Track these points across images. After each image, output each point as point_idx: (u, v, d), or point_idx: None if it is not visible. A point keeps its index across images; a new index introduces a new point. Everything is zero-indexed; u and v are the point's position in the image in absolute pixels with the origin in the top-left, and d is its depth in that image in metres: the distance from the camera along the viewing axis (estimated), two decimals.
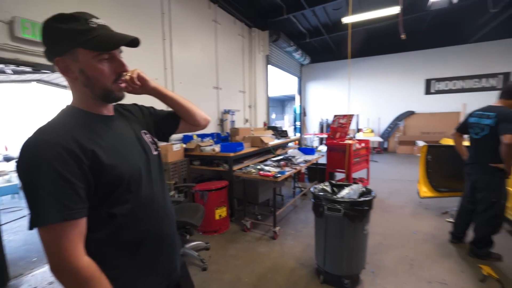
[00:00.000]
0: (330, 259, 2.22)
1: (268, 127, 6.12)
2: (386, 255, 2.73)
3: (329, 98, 10.84)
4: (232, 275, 2.47)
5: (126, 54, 0.88)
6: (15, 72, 5.62)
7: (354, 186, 2.30)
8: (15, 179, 6.03)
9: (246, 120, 6.57)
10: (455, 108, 8.81)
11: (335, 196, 2.19)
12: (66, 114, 0.79)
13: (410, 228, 3.31)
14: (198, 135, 4.31)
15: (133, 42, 0.81)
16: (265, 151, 4.45)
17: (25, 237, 3.59)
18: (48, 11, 2.67)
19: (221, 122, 5.48)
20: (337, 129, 4.72)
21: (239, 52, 6.34)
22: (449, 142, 4.83)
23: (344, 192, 2.25)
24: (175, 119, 1.12)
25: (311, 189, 2.36)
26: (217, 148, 3.66)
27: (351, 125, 5.10)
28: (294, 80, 11.13)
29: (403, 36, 5.27)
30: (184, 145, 3.91)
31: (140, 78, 0.93)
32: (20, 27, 2.44)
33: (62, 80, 7.48)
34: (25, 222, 4.29)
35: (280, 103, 18.00)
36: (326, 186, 2.48)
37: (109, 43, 0.75)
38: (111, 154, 0.77)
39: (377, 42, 9.13)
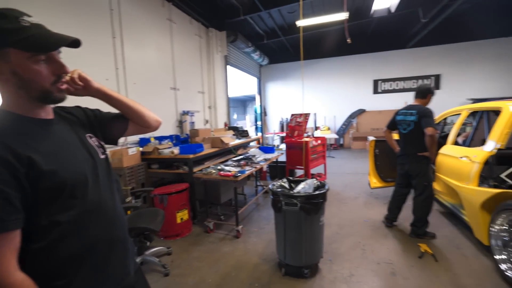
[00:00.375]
0: (290, 252, 2.33)
1: (229, 127, 6.14)
2: (342, 243, 2.94)
3: (288, 98, 11.23)
4: (196, 277, 2.45)
5: (72, 53, 0.84)
6: None
7: (309, 181, 2.45)
8: None
9: (207, 121, 6.50)
10: (399, 106, 9.61)
11: (291, 192, 2.30)
12: None
13: (363, 217, 3.61)
14: (156, 138, 4.16)
15: (74, 43, 0.77)
16: (226, 152, 4.46)
17: None
18: None
19: (180, 123, 5.35)
20: (294, 127, 4.93)
21: (196, 52, 6.24)
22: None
23: (300, 187, 2.38)
24: (123, 121, 1.08)
25: (270, 186, 2.45)
26: (176, 150, 3.57)
27: (309, 123, 5.39)
28: (254, 80, 11.30)
29: (349, 40, 5.72)
30: (140, 149, 3.74)
31: (81, 78, 0.88)
32: None
33: None
34: None
35: (242, 103, 18.11)
36: (284, 182, 2.60)
37: (46, 44, 0.71)
38: (51, 159, 0.73)
39: (330, 45, 9.71)
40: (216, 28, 6.72)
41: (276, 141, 11.07)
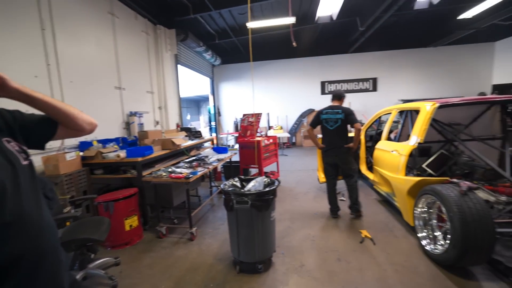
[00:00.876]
0: (243, 249, 2.39)
1: (181, 128, 5.96)
2: (294, 236, 3.10)
3: (241, 98, 11.34)
4: (148, 285, 2.35)
5: None
6: None
7: (259, 179, 2.53)
8: None
9: (157, 122, 6.21)
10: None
11: (242, 190, 2.36)
12: None
13: (313, 211, 3.86)
14: (99, 141, 3.83)
15: None
16: (178, 153, 4.33)
17: None
18: None
19: (127, 125, 5.02)
20: (247, 127, 5.02)
21: (143, 50, 5.92)
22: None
23: (250, 185, 2.45)
24: (50, 124, 0.99)
25: (221, 186, 2.47)
26: (123, 153, 3.35)
27: (263, 123, 5.53)
28: (207, 80, 11.14)
29: (294, 44, 6.05)
30: (81, 153, 3.42)
31: None
32: None
33: None
34: None
35: (195, 104, 17.70)
36: (236, 181, 2.64)
37: None
38: None
39: (279, 47, 10.09)
40: (165, 25, 6.45)
41: (231, 141, 11.09)
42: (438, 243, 2.43)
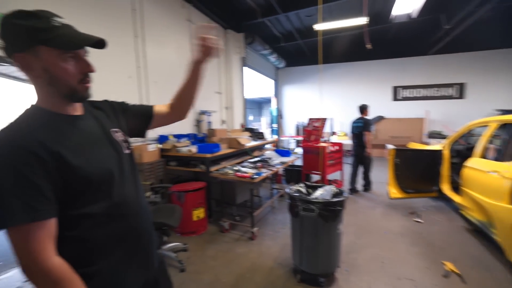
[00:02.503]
0: (306, 258, 2.29)
1: (245, 128, 6.14)
2: (360, 254, 2.85)
3: (304, 102, 11.13)
4: (211, 276, 2.45)
5: (97, 51, 0.86)
6: None
7: (327, 187, 2.40)
8: None
9: (223, 121, 6.54)
10: (420, 114, 9.45)
11: (309, 197, 2.26)
12: (30, 115, 0.77)
13: (381, 228, 3.49)
14: (175, 136, 4.21)
15: (100, 44, 0.81)
16: (242, 153, 4.46)
17: None
18: (7, 5, 2.48)
19: (198, 122, 5.40)
20: (311, 132, 4.87)
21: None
22: (415, 146, 5.21)
23: (318, 193, 2.33)
24: (148, 114, 1.11)
25: (287, 190, 2.42)
26: (194, 149, 3.60)
27: (326, 128, 5.31)
28: (271, 82, 11.29)
29: (368, 46, 5.59)
30: (160, 146, 3.80)
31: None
32: None
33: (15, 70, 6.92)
34: None
35: (257, 105, 18.11)
36: (301, 187, 2.55)
37: (74, 42, 0.74)
38: (78, 155, 0.76)
39: (348, 50, 9.56)
40: (234, 29, 6.76)
41: (292, 145, 10.98)
42: None
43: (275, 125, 11.39)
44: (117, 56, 3.65)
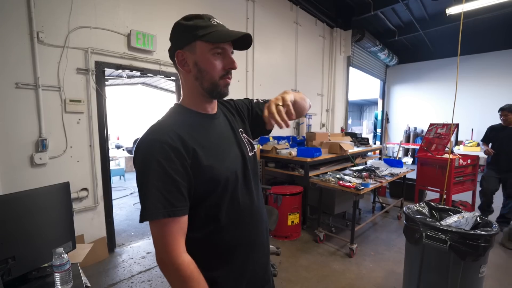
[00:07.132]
0: None
1: (346, 133, 5.69)
2: None
3: (420, 104, 9.46)
4: None
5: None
6: (128, 76, 6.77)
7: (467, 214, 1.85)
8: (122, 163, 7.25)
9: (323, 125, 6.28)
10: None
11: (438, 223, 1.80)
12: (174, 112, 0.82)
13: None
14: (274, 137, 4.30)
15: (246, 43, 0.83)
16: (342, 159, 4.13)
17: (127, 213, 4.29)
18: (155, 24, 3.07)
19: (297, 125, 5.37)
20: (433, 140, 4.02)
21: (319, 53, 6.10)
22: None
23: (452, 220, 1.83)
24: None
25: (404, 210, 2.02)
26: (294, 152, 3.55)
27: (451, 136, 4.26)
28: (376, 83, 10.15)
29: None
30: (260, 146, 3.95)
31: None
32: (135, 38, 2.86)
33: (162, 82, 8.65)
34: (128, 199, 5.10)
35: (358, 108, 16.73)
36: (422, 207, 2.09)
37: (224, 36, 0.77)
38: (210, 154, 0.76)
39: (489, 36, 7.50)
40: (341, 27, 6.36)
41: (398, 153, 9.55)
42: None
43: (379, 130, 10.18)
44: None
